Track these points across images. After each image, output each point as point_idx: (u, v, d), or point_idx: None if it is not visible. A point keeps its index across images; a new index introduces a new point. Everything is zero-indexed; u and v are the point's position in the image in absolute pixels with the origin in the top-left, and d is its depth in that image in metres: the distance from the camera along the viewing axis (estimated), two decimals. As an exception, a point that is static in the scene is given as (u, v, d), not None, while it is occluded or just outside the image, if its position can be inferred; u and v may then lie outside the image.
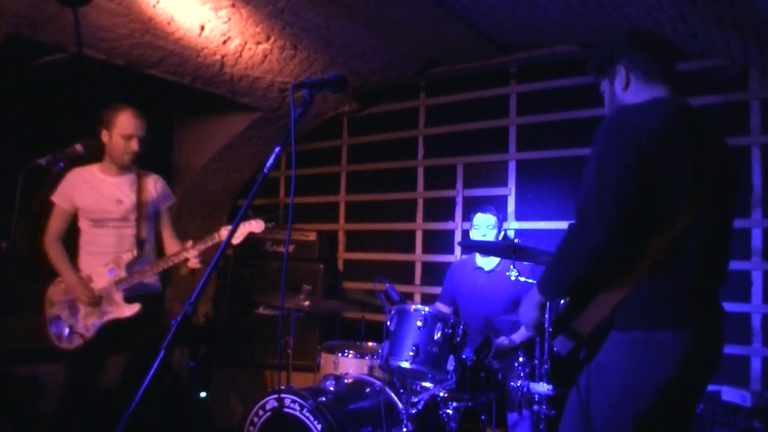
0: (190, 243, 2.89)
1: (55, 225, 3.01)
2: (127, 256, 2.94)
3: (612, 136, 1.60)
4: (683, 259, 1.60)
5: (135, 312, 2.88)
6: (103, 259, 2.95)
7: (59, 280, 3.02)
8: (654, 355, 1.58)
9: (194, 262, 2.87)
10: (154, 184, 3.11)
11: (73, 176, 2.99)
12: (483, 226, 3.53)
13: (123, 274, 2.92)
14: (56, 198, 3.00)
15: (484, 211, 3.59)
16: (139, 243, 2.98)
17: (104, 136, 2.94)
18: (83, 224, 3.01)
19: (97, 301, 2.89)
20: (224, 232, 2.82)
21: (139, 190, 3.03)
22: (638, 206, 1.55)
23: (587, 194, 1.58)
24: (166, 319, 3.08)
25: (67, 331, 2.94)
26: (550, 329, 1.82)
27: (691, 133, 1.64)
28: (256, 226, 2.83)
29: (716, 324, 1.67)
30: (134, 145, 2.93)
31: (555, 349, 1.77)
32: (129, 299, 2.91)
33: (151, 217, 3.06)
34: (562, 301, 1.77)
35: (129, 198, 3.01)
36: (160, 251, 3.15)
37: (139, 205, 3.01)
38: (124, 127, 2.91)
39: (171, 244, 3.13)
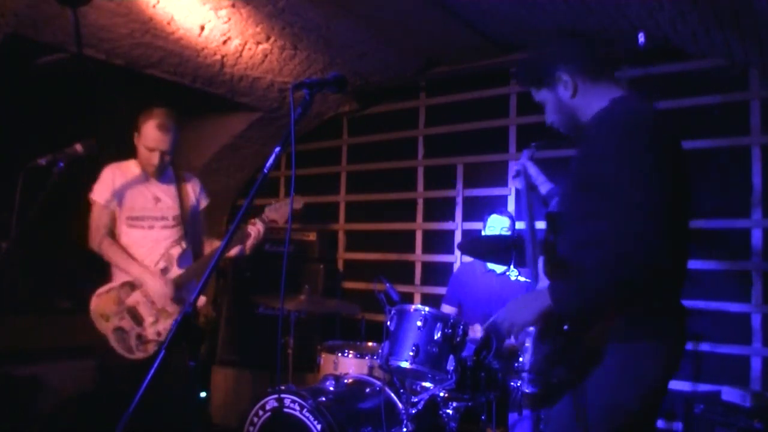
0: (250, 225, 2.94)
1: (97, 222, 2.80)
2: (176, 251, 2.80)
3: (634, 138, 1.52)
4: (666, 266, 1.51)
5: (203, 303, 2.84)
6: (148, 260, 2.77)
7: (101, 292, 2.77)
8: (641, 365, 1.55)
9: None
10: (192, 186, 2.98)
11: (109, 172, 2.83)
12: (498, 228, 3.50)
13: (177, 270, 2.77)
14: (95, 195, 2.80)
15: (500, 212, 3.57)
16: (184, 239, 2.86)
17: (135, 139, 2.79)
18: (120, 227, 2.82)
19: (179, 298, 2.74)
20: (269, 212, 2.89)
21: (179, 191, 2.90)
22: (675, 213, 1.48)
23: (631, 205, 1.46)
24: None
25: (135, 341, 2.72)
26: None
27: (668, 133, 1.59)
28: (295, 202, 2.88)
29: (684, 326, 1.64)
30: (154, 159, 2.76)
31: (555, 381, 1.60)
32: (178, 300, 2.76)
33: (190, 220, 2.92)
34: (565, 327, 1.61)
35: (167, 197, 2.87)
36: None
37: (181, 204, 2.88)
38: (146, 139, 2.75)
39: (207, 246, 3.03)
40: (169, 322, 2.73)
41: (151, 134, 2.73)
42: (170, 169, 2.95)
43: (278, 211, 2.89)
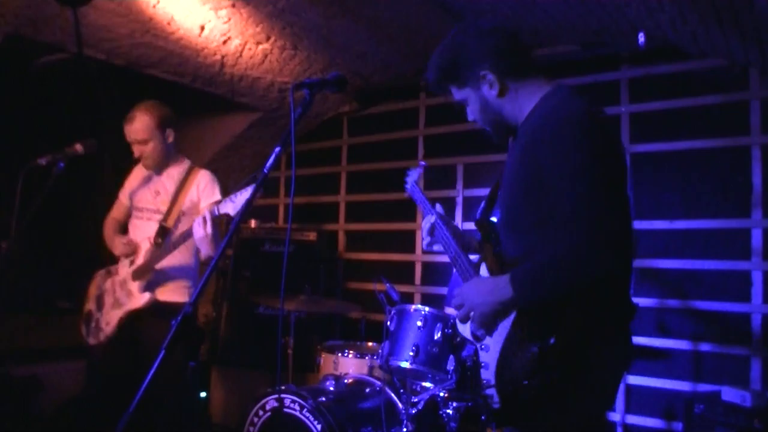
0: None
1: (112, 212, 3.11)
2: (145, 244, 2.84)
3: (574, 139, 1.45)
4: (623, 263, 1.51)
5: (146, 302, 2.75)
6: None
7: (97, 275, 3.02)
8: (611, 365, 1.54)
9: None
10: (197, 180, 2.97)
11: (135, 169, 3.08)
12: None
13: (140, 262, 2.83)
14: (120, 190, 3.11)
15: (497, 215, 3.55)
16: (163, 232, 2.84)
17: None
18: (130, 219, 3.03)
19: (132, 250, 2.87)
20: (223, 205, 2.50)
21: (182, 183, 2.94)
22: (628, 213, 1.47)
23: (579, 211, 1.41)
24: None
25: (93, 326, 2.88)
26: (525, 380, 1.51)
27: (605, 130, 1.54)
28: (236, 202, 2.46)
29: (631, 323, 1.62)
30: (136, 152, 2.89)
31: (531, 391, 1.49)
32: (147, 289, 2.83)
33: (186, 211, 2.92)
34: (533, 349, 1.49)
35: (166, 191, 2.95)
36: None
37: (174, 198, 2.91)
38: (125, 136, 2.89)
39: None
40: (117, 313, 2.82)
41: (125, 129, 2.87)
42: (185, 163, 3.02)
43: (234, 201, 2.47)
